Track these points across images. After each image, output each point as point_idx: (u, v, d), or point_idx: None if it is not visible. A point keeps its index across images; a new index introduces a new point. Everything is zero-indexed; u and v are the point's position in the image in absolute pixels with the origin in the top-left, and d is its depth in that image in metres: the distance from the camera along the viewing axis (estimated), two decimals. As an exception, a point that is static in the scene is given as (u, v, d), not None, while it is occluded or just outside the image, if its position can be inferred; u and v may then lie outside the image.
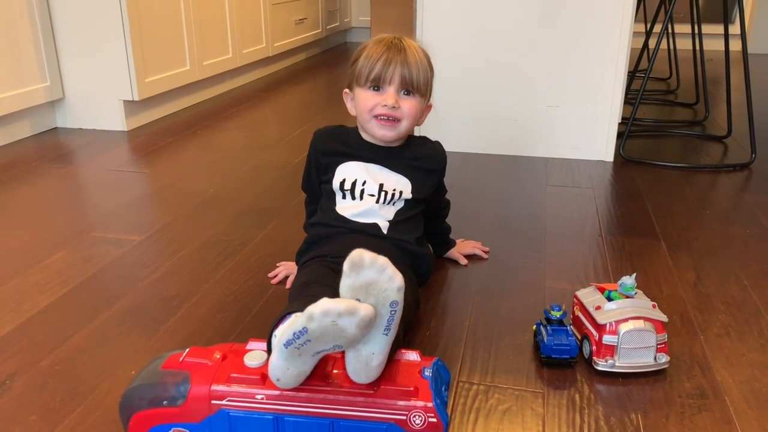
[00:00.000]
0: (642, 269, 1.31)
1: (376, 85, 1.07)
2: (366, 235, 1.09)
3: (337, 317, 0.66)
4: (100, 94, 2.24)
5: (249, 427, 0.75)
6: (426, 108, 1.14)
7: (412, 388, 0.74)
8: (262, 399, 0.74)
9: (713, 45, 3.01)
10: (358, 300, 0.68)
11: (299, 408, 0.74)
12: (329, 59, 3.98)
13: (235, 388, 0.74)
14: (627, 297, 0.99)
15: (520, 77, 1.98)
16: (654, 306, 0.98)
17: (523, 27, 1.94)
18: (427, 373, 0.77)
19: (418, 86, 1.07)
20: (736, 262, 1.34)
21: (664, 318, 0.97)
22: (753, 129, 2.00)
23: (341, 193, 1.13)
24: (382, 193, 1.12)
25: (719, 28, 3.39)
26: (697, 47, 2.55)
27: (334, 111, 2.69)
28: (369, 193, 1.12)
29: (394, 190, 1.12)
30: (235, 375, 0.75)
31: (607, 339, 0.95)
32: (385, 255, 0.70)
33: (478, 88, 2.03)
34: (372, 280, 0.69)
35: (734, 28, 3.27)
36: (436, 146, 1.20)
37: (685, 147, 2.19)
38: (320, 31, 4.02)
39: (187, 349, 0.79)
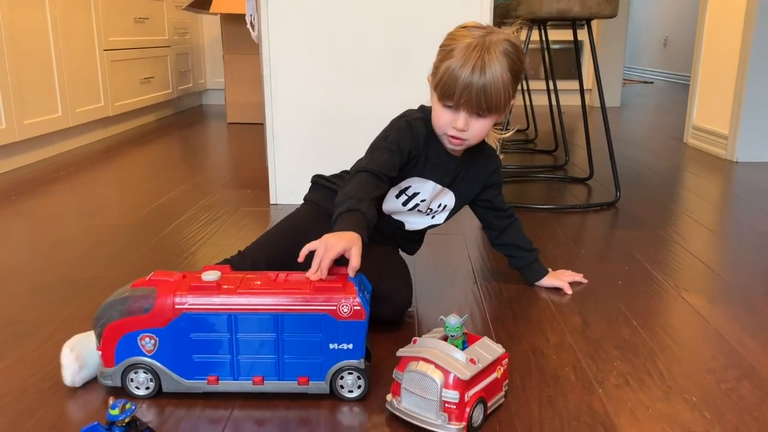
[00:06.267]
0: (524, 316, 1.15)
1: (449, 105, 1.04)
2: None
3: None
4: None
5: (207, 325, 0.85)
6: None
7: (340, 285, 0.85)
8: (218, 302, 0.84)
9: (566, 100, 3.10)
10: None
11: (249, 307, 0.84)
12: (183, 120, 3.68)
13: (195, 295, 0.85)
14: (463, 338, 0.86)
15: (376, 124, 1.83)
16: (473, 361, 0.80)
17: (375, 74, 1.83)
18: (352, 278, 0.88)
19: (494, 107, 1.02)
20: (621, 301, 1.22)
21: (464, 375, 0.78)
22: (615, 169, 1.97)
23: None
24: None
25: (569, 84, 3.53)
26: (553, 101, 2.62)
27: (189, 164, 2.46)
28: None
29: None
30: (194, 284, 0.85)
31: (395, 374, 0.84)
32: None
33: (330, 136, 1.87)
34: None
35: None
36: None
37: (551, 190, 2.14)
38: (171, 92, 3.75)
39: (152, 273, 0.89)
